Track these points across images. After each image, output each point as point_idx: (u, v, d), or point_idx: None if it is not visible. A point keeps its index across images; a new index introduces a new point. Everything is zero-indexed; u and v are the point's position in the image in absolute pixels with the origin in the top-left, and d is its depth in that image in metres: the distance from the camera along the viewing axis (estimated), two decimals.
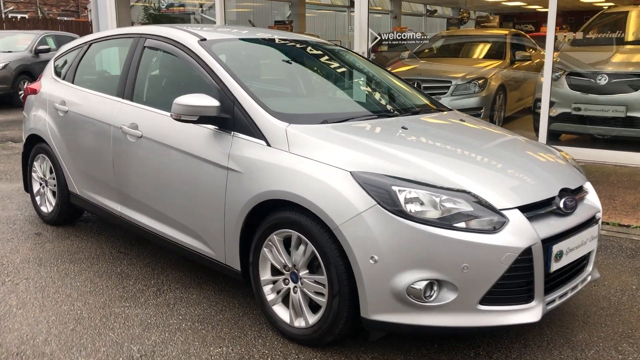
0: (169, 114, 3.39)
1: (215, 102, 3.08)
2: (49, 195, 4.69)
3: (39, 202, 4.80)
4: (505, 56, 9.09)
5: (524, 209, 2.58)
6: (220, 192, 3.06)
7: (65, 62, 4.64)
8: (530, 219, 2.57)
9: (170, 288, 3.53)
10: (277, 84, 3.62)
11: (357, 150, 2.76)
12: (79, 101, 4.17)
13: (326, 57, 4.07)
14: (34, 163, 4.78)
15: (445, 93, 8.03)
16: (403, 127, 3.15)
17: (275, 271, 2.94)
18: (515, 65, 9.12)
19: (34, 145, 4.73)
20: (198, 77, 3.43)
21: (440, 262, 2.45)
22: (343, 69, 4.03)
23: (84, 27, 21.70)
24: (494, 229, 2.48)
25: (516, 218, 2.53)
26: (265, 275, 2.97)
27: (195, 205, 3.24)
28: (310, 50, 4.04)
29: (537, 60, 9.57)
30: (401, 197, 2.49)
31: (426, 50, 9.70)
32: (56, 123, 4.38)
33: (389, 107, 3.68)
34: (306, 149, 2.81)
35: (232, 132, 3.08)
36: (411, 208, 2.48)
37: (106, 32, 4.33)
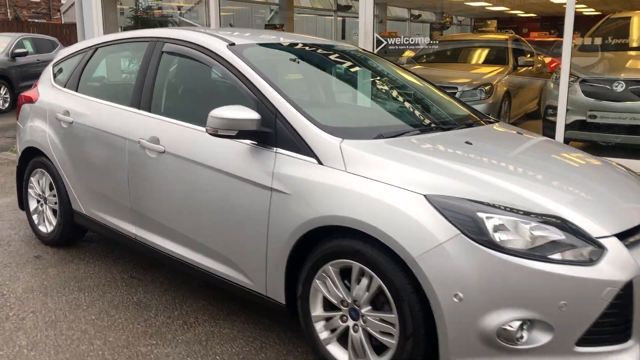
0: (195, 126, 3.07)
1: (255, 115, 2.74)
2: (49, 213, 4.28)
3: (36, 221, 4.38)
4: (508, 61, 8.89)
5: (621, 236, 2.30)
6: (262, 215, 2.72)
7: (67, 68, 4.24)
8: (627, 247, 2.28)
9: (197, 321, 3.17)
10: (315, 93, 3.29)
11: (427, 169, 2.44)
12: (86, 111, 3.78)
13: (363, 65, 3.75)
14: (31, 178, 4.36)
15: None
16: (467, 142, 2.85)
17: (329, 306, 2.61)
18: (518, 71, 8.93)
19: (31, 159, 4.32)
20: (229, 87, 3.10)
21: (536, 300, 2.15)
22: (382, 77, 3.72)
23: (59, 30, 21.04)
24: (591, 261, 2.19)
25: (615, 247, 2.24)
26: (317, 310, 2.63)
27: (229, 229, 2.90)
28: (346, 56, 3.73)
29: (539, 65, 9.40)
30: (489, 225, 2.19)
31: (424, 56, 9.46)
32: (58, 135, 3.97)
33: (439, 118, 3.36)
34: (366, 167, 2.49)
35: (275, 148, 2.74)
36: (500, 237, 2.18)
37: (114, 35, 3.95)
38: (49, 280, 3.70)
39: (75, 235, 4.28)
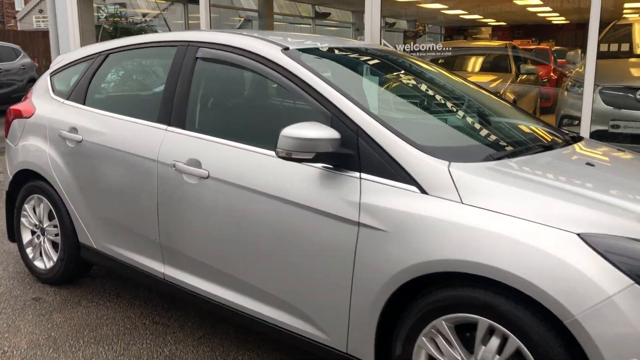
0: (246, 147, 2.57)
1: (335, 134, 2.25)
2: (48, 246, 3.67)
3: (31, 256, 3.76)
4: (510, 70, 8.60)
5: None
6: (345, 256, 2.23)
7: (69, 78, 3.65)
8: None
9: None
10: (390, 106, 2.81)
11: (567, 200, 1.98)
12: (100, 128, 3.20)
13: (429, 73, 3.29)
14: (25, 205, 3.74)
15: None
16: (589, 164, 2.41)
17: None
18: (520, 79, 8.65)
19: (26, 183, 3.71)
20: (287, 99, 2.60)
21: None
22: (457, 88, 3.26)
23: (21, 37, 20.00)
24: None
25: None
26: None
27: (295, 271, 2.39)
28: (413, 64, 3.26)
29: (541, 72, 9.15)
30: None
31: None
32: (63, 155, 3.38)
33: (531, 135, 2.89)
34: (489, 198, 2.01)
35: (359, 174, 2.25)
36: None
37: (129, 39, 3.38)
38: (56, 330, 3.10)
39: (80, 272, 3.68)
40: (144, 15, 13.77)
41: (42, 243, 3.70)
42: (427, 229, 2.04)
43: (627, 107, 6.35)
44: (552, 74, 10.91)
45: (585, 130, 6.18)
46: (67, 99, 3.52)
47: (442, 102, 3.01)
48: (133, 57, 3.46)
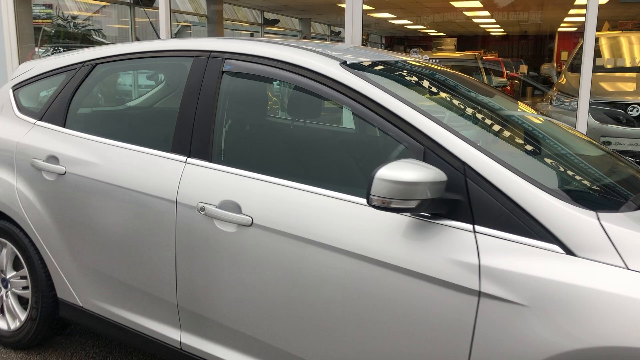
0: (304, 186, 2.01)
1: (441, 175, 1.74)
2: (12, 302, 2.95)
3: None
4: (484, 82, 8.37)
5: None
6: (458, 334, 1.72)
7: (39, 93, 2.96)
8: None
9: None
10: (490, 138, 2.29)
11: None
12: (90, 158, 2.55)
13: (502, 94, 2.82)
14: None
15: None
16: None
17: None
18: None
19: None
20: (358, 126, 2.05)
21: None
22: (528, 113, 2.81)
23: None
24: None
25: None
26: None
27: (381, 352, 1.85)
28: (483, 88, 2.79)
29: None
30: None
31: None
32: (38, 191, 2.69)
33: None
34: None
35: (473, 226, 1.75)
36: None
37: (124, 46, 2.72)
38: None
39: (54, 333, 2.97)
40: (74, 17, 12.76)
41: (4, 298, 2.98)
42: (584, 305, 1.56)
43: (618, 123, 6.18)
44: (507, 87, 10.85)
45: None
46: (40, 120, 2.82)
47: (539, 132, 2.54)
48: (129, 68, 2.82)
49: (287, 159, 2.28)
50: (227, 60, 2.36)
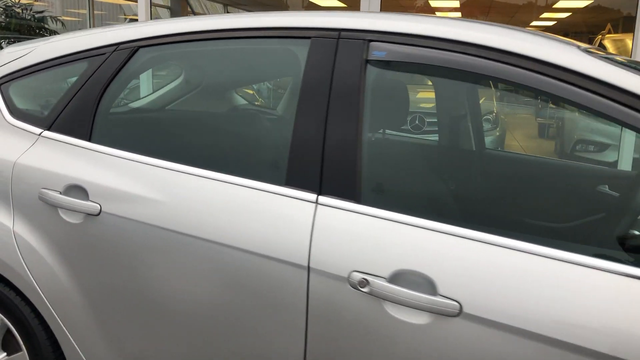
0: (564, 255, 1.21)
1: None
2: None
3: None
4: None
5: None
6: None
7: (44, 91, 2.02)
8: None
9: None
10: None
11: None
12: (142, 190, 1.65)
13: None
14: None
15: None
16: None
17: None
18: None
19: None
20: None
21: None
22: None
23: None
24: None
25: None
26: None
27: None
28: None
29: None
30: None
31: None
32: (49, 237, 1.77)
33: None
34: None
35: None
36: None
37: (182, 22, 1.82)
38: None
39: None
40: (27, 8, 11.45)
41: None
42: None
43: None
44: None
45: (627, 161, 5.38)
46: (49, 129, 1.89)
47: None
48: (196, 55, 1.91)
49: (496, 203, 1.47)
50: (372, 43, 1.52)
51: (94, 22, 10.13)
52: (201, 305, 1.55)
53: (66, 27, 9.45)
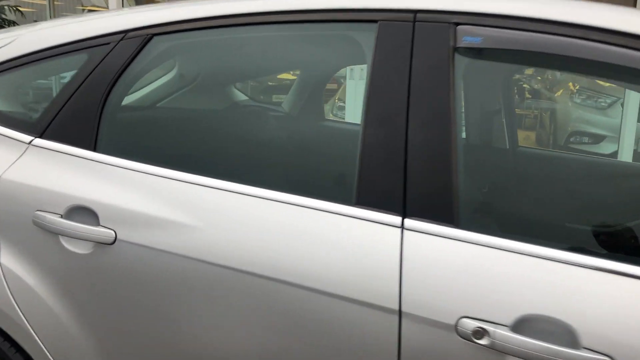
0: None
1: None
2: None
3: None
4: None
5: None
6: None
7: (28, 89, 1.67)
8: None
9: None
10: None
11: None
12: (167, 212, 1.32)
13: None
14: None
15: None
16: None
17: None
18: None
19: None
20: None
21: None
22: None
23: None
24: None
25: None
26: None
27: None
28: None
29: None
30: None
31: None
32: (47, 271, 1.43)
33: None
34: None
35: None
36: None
37: (203, 3, 1.49)
38: None
39: None
40: None
41: None
42: None
43: None
44: None
45: (628, 152, 5.24)
46: (41, 137, 1.54)
47: None
48: (222, 43, 1.57)
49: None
50: (460, 26, 1.23)
51: (54, 12, 9.58)
52: (250, 358, 1.24)
53: (26, 18, 8.86)
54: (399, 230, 1.15)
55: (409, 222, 1.16)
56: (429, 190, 1.15)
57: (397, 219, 1.16)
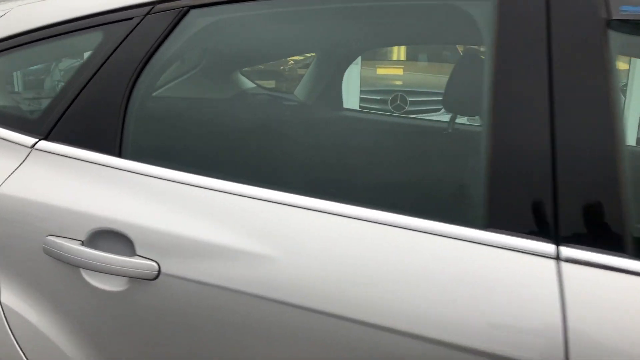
0: None
1: None
2: None
3: None
4: None
5: None
6: None
7: (26, 74, 1.33)
8: None
9: None
10: None
11: None
12: (232, 239, 1.01)
13: None
14: None
15: (440, 110, 5.90)
16: None
17: None
18: None
19: None
20: None
21: None
22: None
23: None
24: None
25: None
26: None
27: None
28: None
29: None
30: None
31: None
32: (69, 318, 1.11)
33: None
34: None
35: None
36: None
37: None
38: None
39: None
40: None
41: None
42: None
43: None
44: None
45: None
46: (46, 138, 1.21)
47: None
48: (287, 20, 1.26)
49: None
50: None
51: None
52: None
53: None
54: (554, 261, 0.88)
55: (566, 251, 0.88)
56: (590, 210, 0.88)
57: (550, 248, 0.89)
